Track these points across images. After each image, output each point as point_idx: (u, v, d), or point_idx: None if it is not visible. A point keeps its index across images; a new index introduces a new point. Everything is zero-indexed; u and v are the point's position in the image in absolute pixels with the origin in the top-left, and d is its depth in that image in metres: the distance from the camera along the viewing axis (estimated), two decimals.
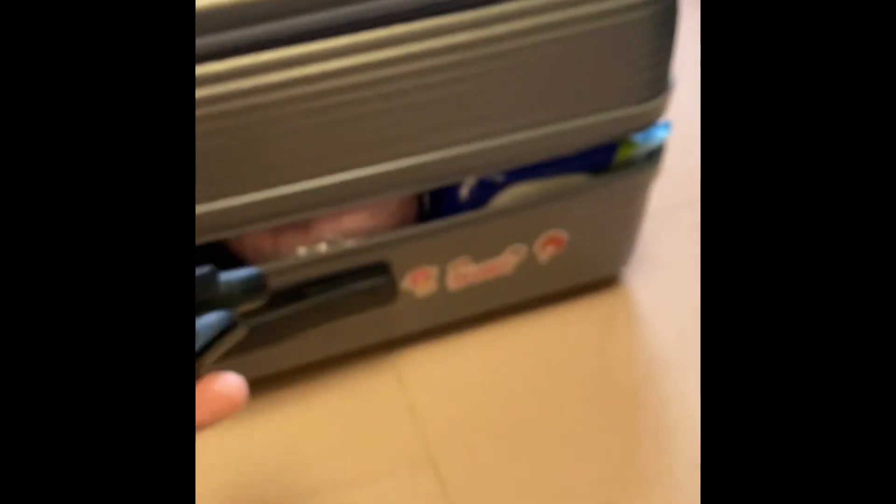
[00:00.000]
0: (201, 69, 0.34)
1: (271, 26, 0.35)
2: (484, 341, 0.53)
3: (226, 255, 0.47)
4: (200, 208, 0.38)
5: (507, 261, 0.49)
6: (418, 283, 0.48)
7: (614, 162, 0.48)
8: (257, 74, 0.36)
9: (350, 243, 0.44)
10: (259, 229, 0.42)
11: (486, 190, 0.46)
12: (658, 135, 0.48)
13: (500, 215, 0.46)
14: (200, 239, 0.39)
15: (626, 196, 0.50)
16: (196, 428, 0.20)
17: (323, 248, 0.44)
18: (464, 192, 0.46)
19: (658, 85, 0.43)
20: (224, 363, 0.29)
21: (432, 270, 0.48)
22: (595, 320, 0.54)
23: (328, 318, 0.46)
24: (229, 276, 0.25)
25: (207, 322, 0.23)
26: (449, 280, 0.49)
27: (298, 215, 0.41)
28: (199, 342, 0.22)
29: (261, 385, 0.51)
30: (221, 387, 0.22)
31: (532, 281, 0.52)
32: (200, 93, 0.35)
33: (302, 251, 0.44)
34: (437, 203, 0.47)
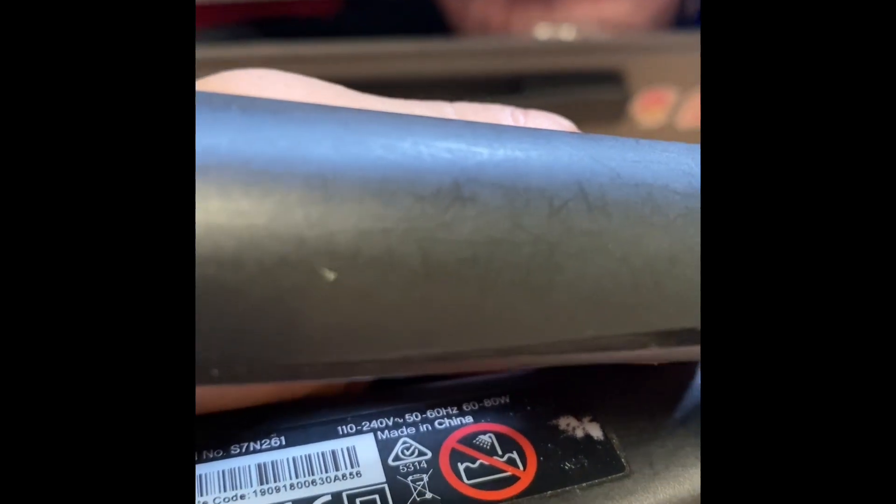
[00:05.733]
0: None
1: None
2: None
3: (437, 21, 0.40)
4: None
5: None
6: (648, 109, 0.41)
7: None
8: None
9: (599, 36, 0.37)
10: None
11: None
12: None
13: None
14: None
15: None
16: None
17: (570, 32, 0.37)
18: None
19: None
20: None
21: (669, 95, 0.41)
22: None
23: None
24: None
25: None
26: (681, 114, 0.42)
27: None
28: None
29: None
30: None
31: None
32: None
33: (543, 30, 0.37)
34: None
